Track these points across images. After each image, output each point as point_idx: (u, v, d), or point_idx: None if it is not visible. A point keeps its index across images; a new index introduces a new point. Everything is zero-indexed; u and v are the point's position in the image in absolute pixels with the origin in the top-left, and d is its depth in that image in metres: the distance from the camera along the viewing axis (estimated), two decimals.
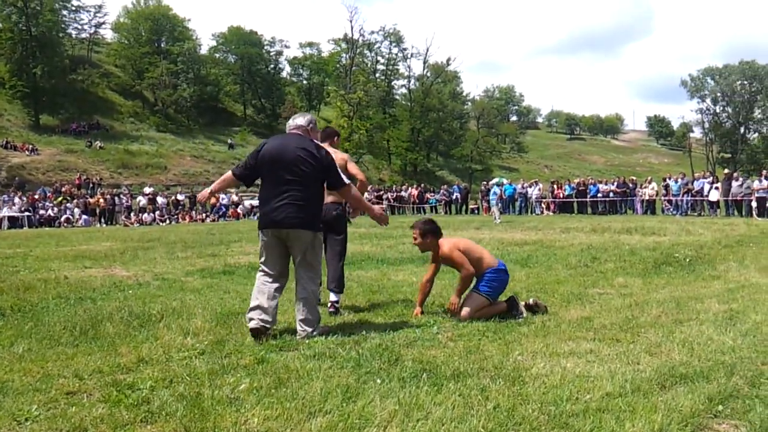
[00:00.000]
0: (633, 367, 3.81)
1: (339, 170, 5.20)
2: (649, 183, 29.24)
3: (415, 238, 5.79)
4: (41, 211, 30.54)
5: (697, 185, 26.75)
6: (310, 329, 4.88)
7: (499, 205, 28.03)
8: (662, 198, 27.96)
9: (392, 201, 37.88)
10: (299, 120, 5.27)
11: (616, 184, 30.52)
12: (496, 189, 27.13)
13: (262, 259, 5.08)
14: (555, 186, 33.30)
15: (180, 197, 37.36)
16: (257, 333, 4.76)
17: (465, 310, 5.47)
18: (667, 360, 3.95)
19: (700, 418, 2.98)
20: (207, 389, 3.55)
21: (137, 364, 4.18)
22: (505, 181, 38.31)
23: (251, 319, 4.81)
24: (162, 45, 63.16)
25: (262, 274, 5.04)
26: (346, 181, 5.22)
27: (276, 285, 4.99)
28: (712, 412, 3.06)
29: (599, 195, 30.01)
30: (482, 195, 36.49)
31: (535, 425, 2.91)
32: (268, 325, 4.81)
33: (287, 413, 3.12)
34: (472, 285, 5.66)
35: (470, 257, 5.63)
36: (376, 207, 5.61)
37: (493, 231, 17.15)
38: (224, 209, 36.23)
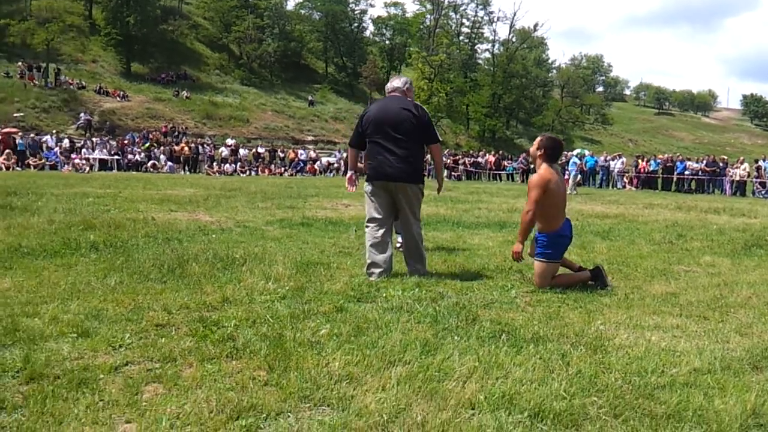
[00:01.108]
0: (722, 345, 3.67)
1: (435, 128, 5.65)
2: (741, 163, 27.79)
3: (534, 146, 5.55)
4: (129, 156, 31.78)
5: None
6: (421, 267, 5.54)
7: (579, 177, 27.36)
8: (754, 179, 26.55)
9: (468, 166, 37.51)
10: (396, 82, 5.76)
11: (705, 162, 29.16)
12: (575, 159, 26.39)
13: (371, 209, 5.59)
14: (639, 160, 32.10)
15: (260, 150, 38.11)
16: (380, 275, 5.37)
17: (536, 280, 5.38)
18: (759, 341, 3.78)
19: None
20: (289, 331, 3.64)
21: (222, 303, 4.32)
22: (586, 152, 37.24)
23: (371, 273, 5.40)
24: None
25: (371, 226, 5.56)
26: (439, 138, 5.69)
27: (384, 230, 5.52)
28: None
29: (686, 172, 28.77)
30: (561, 165, 35.67)
31: (618, 394, 2.84)
32: (386, 275, 5.38)
33: (367, 360, 3.17)
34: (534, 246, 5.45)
35: (549, 202, 5.30)
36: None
37: (572, 202, 16.74)
38: (302, 164, 36.78)
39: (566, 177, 30.92)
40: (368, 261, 5.47)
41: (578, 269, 5.63)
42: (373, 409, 2.61)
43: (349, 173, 6.06)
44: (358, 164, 6.22)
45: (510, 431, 2.46)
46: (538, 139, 5.56)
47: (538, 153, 5.43)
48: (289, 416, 2.58)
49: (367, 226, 5.62)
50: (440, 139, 5.73)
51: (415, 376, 2.98)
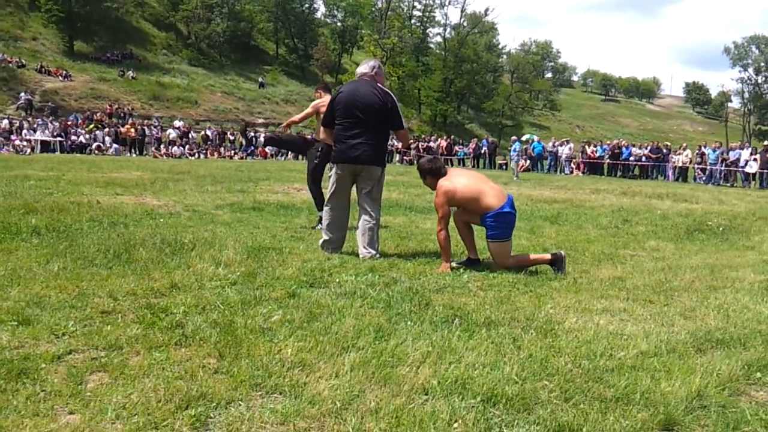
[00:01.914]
0: (668, 329, 3.76)
1: (401, 113, 5.85)
2: (684, 150, 28.61)
3: (425, 181, 5.75)
4: (73, 137, 30.82)
5: (732, 155, 26.15)
6: (374, 251, 5.64)
7: (526, 162, 27.77)
8: (696, 166, 27.38)
9: (421, 151, 37.61)
10: (364, 68, 5.90)
11: (649, 148, 29.92)
12: (517, 145, 26.75)
13: (332, 191, 5.84)
14: (587, 146, 32.75)
15: (209, 133, 37.43)
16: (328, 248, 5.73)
17: (495, 261, 5.46)
18: (702, 324, 3.89)
19: (738, 384, 2.93)
20: (240, 318, 3.58)
21: (170, 289, 4.22)
22: (535, 138, 37.78)
23: (326, 249, 5.73)
24: None
25: (331, 205, 5.85)
26: (405, 125, 5.93)
27: (342, 211, 5.86)
28: (751, 378, 3.01)
29: (631, 158, 29.49)
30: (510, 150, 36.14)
31: (568, 377, 2.88)
32: (337, 252, 5.71)
33: (320, 346, 3.13)
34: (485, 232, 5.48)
35: (466, 200, 5.38)
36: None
37: (521, 187, 17.00)
38: (253, 148, 36.30)
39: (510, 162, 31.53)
40: (325, 238, 5.81)
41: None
42: (326, 396, 2.58)
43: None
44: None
45: (463, 416, 2.46)
46: (420, 170, 5.76)
47: (427, 182, 5.70)
48: (240, 405, 2.53)
49: (327, 205, 5.92)
50: (405, 125, 5.91)
51: (368, 362, 2.96)
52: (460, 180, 5.52)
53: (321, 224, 6.19)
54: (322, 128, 6.19)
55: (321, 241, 5.86)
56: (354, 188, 5.93)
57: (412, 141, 38.50)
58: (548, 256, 5.51)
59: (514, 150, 26.03)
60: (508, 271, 5.27)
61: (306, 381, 2.75)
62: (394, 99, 5.80)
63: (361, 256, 5.60)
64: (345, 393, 2.62)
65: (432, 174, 5.63)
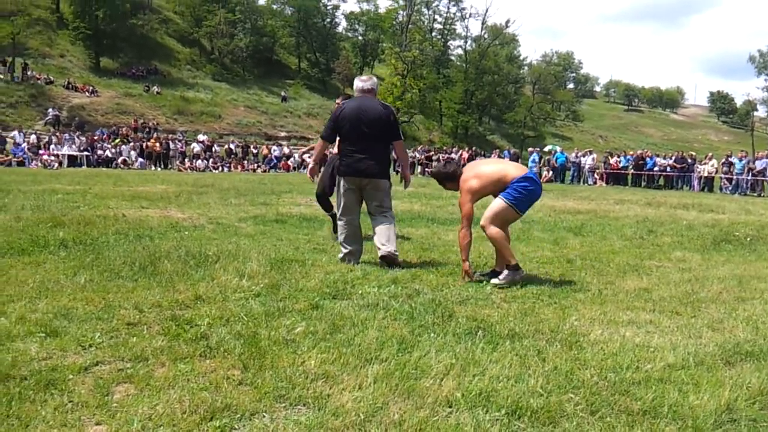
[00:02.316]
0: (695, 341, 3.70)
1: (398, 125, 6.04)
2: (710, 159, 28.26)
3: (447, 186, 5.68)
4: (99, 152, 31.25)
5: (759, 165, 25.75)
6: (394, 248, 5.77)
7: (543, 173, 27.79)
8: (721, 176, 27.00)
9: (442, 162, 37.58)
10: (368, 84, 6.02)
11: (674, 158, 29.58)
12: (536, 156, 26.73)
13: (343, 205, 5.97)
14: (609, 156, 32.47)
15: (233, 146, 37.76)
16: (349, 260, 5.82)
17: (484, 215, 5.34)
18: (730, 336, 3.83)
19: None
20: (263, 330, 3.60)
21: (195, 301, 4.26)
22: (557, 149, 37.58)
23: (349, 261, 5.81)
24: None
25: (345, 218, 5.96)
26: (402, 135, 6.09)
27: (356, 222, 5.97)
28: None
29: (656, 169, 29.17)
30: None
31: (594, 390, 2.85)
32: (358, 263, 5.81)
33: (344, 358, 3.14)
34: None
35: (489, 182, 5.27)
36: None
37: (544, 198, 16.87)
38: (276, 161, 36.54)
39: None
40: (345, 251, 5.92)
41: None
42: (349, 408, 2.58)
43: (312, 165, 6.48)
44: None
45: (487, 429, 2.44)
46: (437, 179, 5.72)
47: (448, 186, 5.63)
48: (264, 416, 2.54)
49: (341, 219, 6.03)
50: (401, 137, 6.08)
51: (391, 374, 2.96)
52: (480, 170, 5.43)
53: (337, 235, 6.22)
54: (322, 142, 6.15)
55: (341, 255, 5.95)
56: (364, 203, 6.05)
57: (433, 153, 38.57)
58: (513, 261, 5.26)
59: (533, 161, 25.96)
60: (532, 284, 5.23)
61: (329, 393, 2.75)
62: (395, 112, 6.04)
63: (380, 253, 5.75)
64: (368, 405, 2.61)
65: (449, 178, 5.58)
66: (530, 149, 30.46)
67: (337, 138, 6.07)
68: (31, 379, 2.82)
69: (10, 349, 3.18)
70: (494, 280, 5.21)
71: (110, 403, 2.62)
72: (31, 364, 3.01)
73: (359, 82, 6.08)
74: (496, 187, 5.35)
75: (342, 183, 5.95)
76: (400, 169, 6.79)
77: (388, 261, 5.73)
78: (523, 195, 5.26)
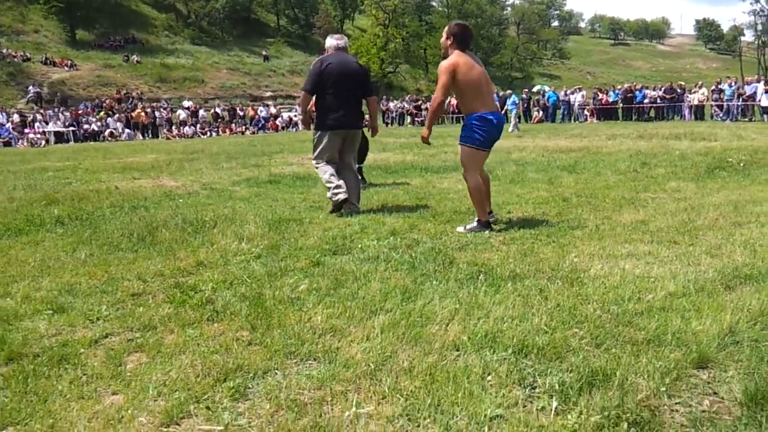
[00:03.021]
0: (694, 268, 3.75)
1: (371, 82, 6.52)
2: (699, 87, 28.07)
3: (444, 36, 5.37)
4: (85, 126, 30.93)
5: (749, 90, 25.57)
6: (358, 204, 6.29)
7: (535, 114, 27.55)
8: (712, 103, 26.89)
9: None
10: (341, 42, 6.39)
11: (663, 89, 29.36)
12: (515, 98, 26.46)
13: (326, 155, 6.25)
14: (599, 92, 32.24)
15: (219, 110, 37.39)
16: (344, 202, 6.07)
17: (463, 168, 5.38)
18: (729, 261, 3.87)
19: None
20: (267, 290, 3.63)
21: (196, 267, 4.28)
22: (546, 88, 37.29)
23: (338, 193, 6.04)
24: None
25: (330, 164, 6.24)
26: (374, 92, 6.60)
27: (337, 167, 6.28)
28: None
29: (645, 101, 29.00)
30: (522, 102, 35.69)
31: (598, 323, 2.90)
32: (348, 195, 6.08)
33: (349, 312, 3.17)
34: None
35: (463, 86, 5.13)
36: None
37: (536, 139, 16.84)
38: (263, 122, 36.24)
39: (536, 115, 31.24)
40: (334, 186, 6.10)
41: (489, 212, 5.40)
42: (359, 359, 2.62)
43: (304, 116, 6.77)
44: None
45: (496, 369, 2.49)
46: (447, 28, 5.37)
47: (448, 42, 5.27)
48: (276, 373, 2.58)
49: (325, 164, 6.25)
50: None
51: (397, 323, 2.99)
52: (470, 68, 5.17)
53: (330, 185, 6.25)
54: (305, 94, 6.34)
55: (333, 189, 6.08)
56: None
57: (421, 101, 38.25)
58: (484, 219, 5.22)
59: (513, 103, 25.69)
60: (529, 225, 5.26)
61: (338, 346, 2.79)
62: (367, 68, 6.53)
63: (347, 212, 6.11)
64: (377, 355, 2.66)
65: (455, 39, 5.23)
66: (508, 92, 30.12)
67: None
68: (43, 355, 2.85)
69: (20, 328, 3.21)
70: (459, 228, 5.21)
71: (124, 373, 2.65)
72: (42, 341, 3.03)
73: (333, 41, 6.38)
74: (464, 93, 5.22)
75: (328, 135, 6.19)
76: (368, 122, 6.83)
77: (351, 211, 6.10)
78: (481, 135, 5.16)
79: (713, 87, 27.27)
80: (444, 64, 5.15)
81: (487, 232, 5.06)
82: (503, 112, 29.13)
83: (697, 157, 9.87)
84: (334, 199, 6.09)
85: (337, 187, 6.07)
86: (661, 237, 4.63)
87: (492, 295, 3.37)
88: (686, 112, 27.44)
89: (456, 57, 5.15)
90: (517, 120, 25.11)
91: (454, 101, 36.86)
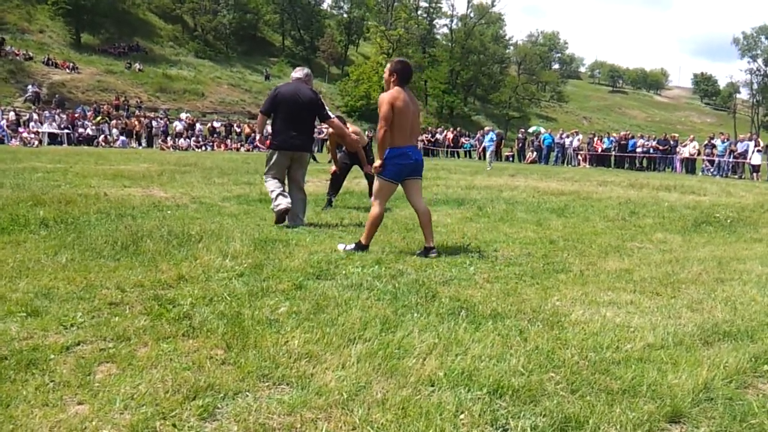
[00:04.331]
0: (675, 321, 3.75)
1: (325, 107, 7.11)
2: (691, 141, 28.44)
3: (386, 72, 5.63)
4: (80, 130, 30.88)
5: (740, 147, 25.94)
6: (303, 218, 7.01)
7: (529, 155, 27.66)
8: (704, 158, 27.22)
9: (426, 143, 37.56)
10: (299, 74, 7.16)
11: (656, 140, 29.77)
12: (492, 135, 26.57)
13: (273, 172, 6.94)
14: (595, 138, 32.60)
15: (216, 125, 37.46)
16: (286, 212, 6.72)
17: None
18: (709, 317, 3.88)
19: (745, 376, 2.93)
20: (247, 309, 3.60)
21: (177, 281, 4.24)
22: (541, 130, 37.66)
23: (278, 205, 6.70)
24: None
25: (276, 181, 6.91)
26: (331, 115, 7.28)
27: (284, 185, 6.98)
28: (758, 371, 3.00)
29: (639, 150, 29.34)
30: (518, 142, 35.99)
31: (575, 369, 2.88)
32: (291, 206, 6.76)
33: (327, 338, 3.14)
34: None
35: (396, 122, 5.40)
36: (350, 135, 7.42)
37: (528, 179, 16.95)
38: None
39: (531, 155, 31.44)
40: (275, 197, 6.77)
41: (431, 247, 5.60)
42: (333, 387, 2.59)
43: (259, 136, 8.95)
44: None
45: (469, 408, 2.46)
46: (389, 64, 5.68)
47: (391, 78, 5.54)
48: (247, 395, 2.54)
49: (271, 179, 6.94)
50: (331, 115, 7.27)
51: (375, 353, 2.97)
52: (405, 105, 5.44)
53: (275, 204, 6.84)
54: (261, 116, 7.33)
55: (279, 205, 6.69)
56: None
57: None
58: (366, 242, 5.58)
59: (491, 140, 25.83)
60: (514, 264, 5.27)
61: (313, 372, 2.76)
62: (321, 97, 7.11)
63: (291, 224, 6.77)
64: (352, 384, 2.63)
65: (401, 75, 5.53)
66: (486, 128, 30.29)
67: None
68: (11, 358, 2.80)
69: None
70: (339, 245, 5.57)
71: (92, 383, 2.61)
72: (12, 343, 2.98)
73: (294, 73, 7.22)
74: (394, 125, 5.43)
75: (276, 154, 6.91)
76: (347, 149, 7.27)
77: (295, 224, 6.79)
78: (396, 167, 5.54)
79: (706, 142, 27.63)
80: (385, 96, 5.48)
81: (360, 252, 5.39)
82: (481, 149, 29.40)
83: (686, 210, 9.95)
84: (275, 210, 6.70)
85: (278, 197, 6.72)
86: (644, 287, 4.64)
87: (472, 332, 3.35)
88: (678, 164, 27.75)
89: (396, 92, 5.48)
90: (492, 158, 25.19)
91: (450, 134, 37.15)
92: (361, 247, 5.52)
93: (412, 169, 5.63)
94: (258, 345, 3.04)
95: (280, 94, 6.89)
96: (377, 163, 5.62)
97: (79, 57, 46.73)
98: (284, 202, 6.69)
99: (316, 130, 7.01)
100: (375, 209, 5.62)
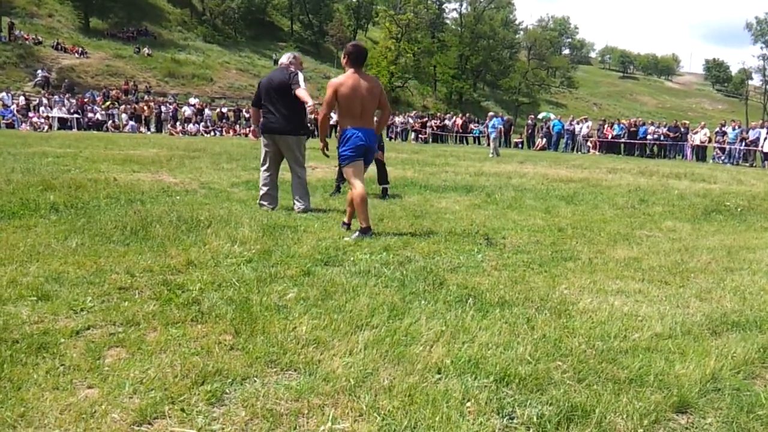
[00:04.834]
0: (683, 311, 3.75)
1: (299, 78, 6.92)
2: (702, 128, 28.18)
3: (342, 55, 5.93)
4: (90, 114, 30.92)
5: (752, 135, 25.70)
6: (304, 204, 6.93)
7: (538, 141, 27.39)
8: (714, 145, 26.99)
9: (435, 129, 37.45)
10: (283, 58, 7.26)
11: (667, 127, 29.54)
12: (496, 122, 26.26)
13: (264, 157, 7.08)
14: (605, 125, 32.36)
15: (225, 110, 37.43)
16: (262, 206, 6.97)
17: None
18: (717, 306, 3.87)
19: (753, 367, 2.92)
20: (255, 295, 3.62)
21: (186, 266, 4.26)
22: (551, 116, 37.43)
23: (262, 205, 6.97)
24: None
25: (263, 168, 7.07)
26: (301, 85, 6.88)
27: (272, 173, 7.08)
28: (766, 362, 2.99)
29: (649, 137, 29.13)
30: (527, 128, 35.81)
31: (582, 358, 2.88)
32: (273, 206, 7.00)
33: (335, 324, 3.16)
34: None
35: (342, 105, 5.65)
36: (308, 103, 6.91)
37: (537, 166, 16.88)
38: None
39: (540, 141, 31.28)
40: (261, 194, 7.04)
41: (348, 221, 5.96)
42: (340, 374, 2.61)
43: (252, 127, 7.76)
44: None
45: (476, 396, 2.47)
46: (345, 48, 5.91)
47: (344, 61, 5.80)
48: (255, 381, 2.56)
49: (262, 173, 7.08)
50: (302, 84, 6.90)
51: (382, 340, 2.98)
52: (352, 89, 5.61)
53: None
54: (253, 109, 7.45)
55: (259, 197, 7.04)
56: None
57: (426, 119, 38.36)
58: (365, 225, 5.61)
59: (493, 126, 25.54)
60: (522, 252, 5.26)
61: (320, 358, 2.78)
62: (297, 72, 6.95)
63: (295, 208, 6.90)
64: (359, 371, 2.64)
65: (350, 57, 5.73)
66: (490, 114, 29.95)
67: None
68: (22, 342, 2.83)
69: (2, 313, 3.19)
70: (346, 238, 5.44)
71: (102, 367, 2.63)
72: (23, 327, 3.01)
73: (281, 59, 7.30)
74: (341, 108, 5.71)
75: (261, 140, 7.09)
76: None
77: (305, 212, 6.82)
78: (350, 147, 5.68)
79: (717, 129, 27.37)
80: (331, 81, 5.78)
81: (367, 236, 5.48)
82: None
83: (696, 198, 9.89)
84: (260, 206, 6.98)
85: (264, 196, 7.02)
86: (652, 276, 4.63)
87: (479, 320, 3.36)
88: (688, 151, 27.55)
89: (343, 77, 5.71)
90: (497, 144, 24.96)
91: (459, 120, 37.00)
92: (364, 231, 5.55)
93: (365, 149, 5.76)
94: (266, 331, 3.06)
95: (260, 84, 7.14)
96: (320, 145, 6.02)
97: (88, 42, 46.76)
98: (265, 201, 6.99)
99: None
100: (354, 190, 5.70)
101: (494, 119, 26.78)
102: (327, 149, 6.03)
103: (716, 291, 4.26)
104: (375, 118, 5.98)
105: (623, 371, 2.76)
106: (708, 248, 5.87)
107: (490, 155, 22.27)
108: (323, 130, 5.98)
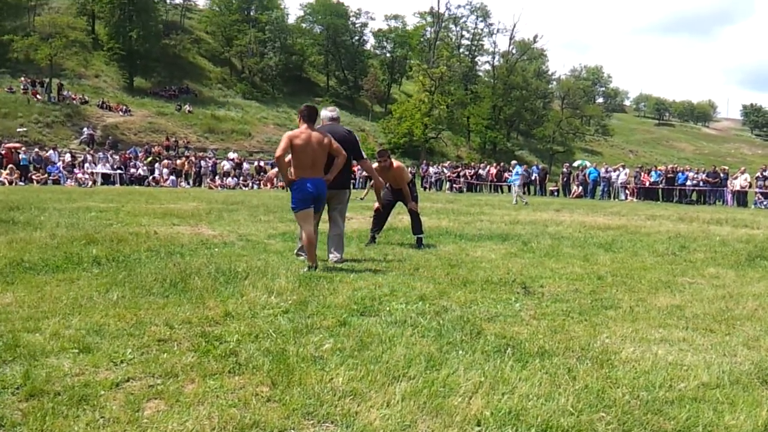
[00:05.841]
0: (730, 359, 3.63)
1: (360, 147, 7.29)
2: (742, 173, 27.68)
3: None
4: (132, 170, 31.80)
5: None
6: (339, 255, 6.96)
7: (574, 189, 27.17)
8: (756, 190, 26.43)
9: (470, 178, 37.51)
10: (333, 113, 7.46)
11: (706, 173, 29.09)
12: (519, 169, 26.09)
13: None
14: (641, 171, 32.02)
15: (263, 164, 38.12)
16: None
17: None
18: (767, 355, 3.74)
19: None
20: (292, 346, 3.62)
21: (224, 317, 4.30)
22: (587, 164, 37.21)
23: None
24: (251, 13, 64.16)
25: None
26: (364, 154, 7.27)
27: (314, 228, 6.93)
28: None
29: (688, 183, 28.70)
30: (563, 176, 35.61)
31: (626, 409, 2.80)
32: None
33: (371, 375, 3.13)
34: None
35: (294, 155, 6.29)
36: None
37: (574, 214, 16.73)
38: None
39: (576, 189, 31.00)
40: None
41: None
42: (377, 426, 2.58)
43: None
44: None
45: None
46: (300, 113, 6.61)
47: (298, 119, 6.57)
48: None
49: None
50: (365, 155, 7.30)
51: (419, 391, 2.94)
52: (304, 141, 6.28)
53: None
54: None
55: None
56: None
57: (460, 168, 38.50)
58: (313, 264, 6.24)
59: (516, 174, 25.39)
60: (561, 301, 5.18)
61: (357, 410, 2.75)
62: (356, 136, 7.27)
63: (330, 258, 6.93)
64: (396, 423, 2.61)
65: (305, 115, 6.45)
66: (513, 162, 29.80)
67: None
68: (64, 394, 2.87)
69: (44, 365, 3.24)
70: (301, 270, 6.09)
71: (141, 419, 2.65)
72: (65, 379, 3.06)
73: (324, 113, 7.40)
74: (294, 155, 6.35)
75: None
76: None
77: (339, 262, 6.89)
78: (299, 196, 6.35)
79: (758, 174, 26.86)
80: (286, 133, 6.43)
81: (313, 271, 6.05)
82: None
83: (738, 244, 9.66)
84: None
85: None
86: (696, 324, 4.50)
87: (519, 370, 3.30)
88: (729, 197, 27.03)
89: (298, 130, 6.40)
90: (522, 192, 24.84)
91: (493, 170, 37.06)
92: (310, 268, 6.18)
93: (314, 198, 6.40)
94: (303, 382, 3.05)
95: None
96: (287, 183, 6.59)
97: (132, 100, 48.41)
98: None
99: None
100: (303, 234, 6.38)
101: (517, 167, 26.73)
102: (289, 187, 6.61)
103: (764, 338, 4.12)
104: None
105: (670, 422, 2.67)
106: (754, 295, 5.70)
107: (514, 203, 22.25)
108: (283, 172, 6.61)
